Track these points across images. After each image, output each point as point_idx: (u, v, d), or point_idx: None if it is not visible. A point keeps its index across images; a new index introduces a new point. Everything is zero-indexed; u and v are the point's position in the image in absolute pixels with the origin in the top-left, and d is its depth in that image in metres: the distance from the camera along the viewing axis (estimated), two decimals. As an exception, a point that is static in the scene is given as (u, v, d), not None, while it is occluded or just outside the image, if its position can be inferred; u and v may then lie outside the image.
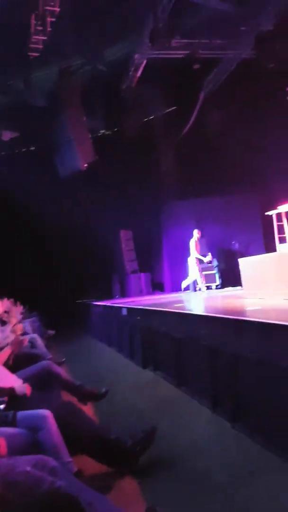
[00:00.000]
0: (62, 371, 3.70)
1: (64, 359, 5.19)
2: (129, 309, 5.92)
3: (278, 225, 8.23)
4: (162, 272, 11.11)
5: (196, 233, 9.05)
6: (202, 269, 9.17)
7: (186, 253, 9.60)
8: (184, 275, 9.77)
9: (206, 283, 9.29)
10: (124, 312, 5.97)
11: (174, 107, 9.83)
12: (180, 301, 6.44)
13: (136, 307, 5.82)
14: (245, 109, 8.33)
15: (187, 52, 8.38)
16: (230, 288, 8.86)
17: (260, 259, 5.62)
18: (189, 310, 4.42)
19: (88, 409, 3.38)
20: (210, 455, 2.79)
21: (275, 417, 2.83)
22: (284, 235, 8.23)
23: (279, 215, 8.22)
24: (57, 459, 1.92)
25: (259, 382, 3.08)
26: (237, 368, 3.36)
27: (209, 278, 9.41)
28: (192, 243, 8.94)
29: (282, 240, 8.15)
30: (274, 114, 8.52)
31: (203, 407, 3.64)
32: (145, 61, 8.44)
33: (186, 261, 9.66)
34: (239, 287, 7.19)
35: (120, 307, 6.15)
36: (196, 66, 8.55)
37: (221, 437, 3.06)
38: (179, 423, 3.37)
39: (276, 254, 5.52)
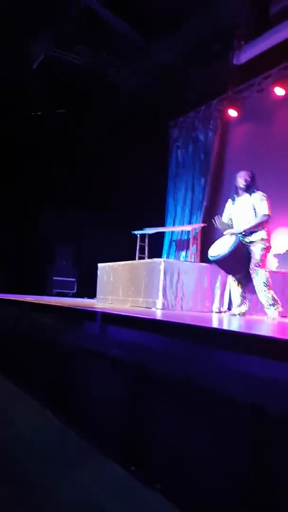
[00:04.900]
0: None
1: None
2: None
3: (140, 245, 8.73)
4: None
5: None
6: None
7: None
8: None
9: (63, 289, 9.22)
10: None
11: (63, 110, 9.77)
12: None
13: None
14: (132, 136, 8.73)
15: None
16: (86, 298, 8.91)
17: (115, 267, 5.79)
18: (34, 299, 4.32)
19: None
20: (27, 442, 2.69)
21: (94, 407, 2.87)
22: (143, 255, 8.75)
23: (142, 236, 8.73)
24: None
25: (84, 372, 3.11)
26: (62, 357, 3.36)
27: (67, 285, 9.35)
28: None
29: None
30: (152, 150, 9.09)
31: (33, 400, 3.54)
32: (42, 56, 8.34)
33: (39, 266, 9.50)
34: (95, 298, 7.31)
35: None
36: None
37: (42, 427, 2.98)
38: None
39: (129, 262, 5.75)
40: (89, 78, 8.90)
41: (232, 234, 4.30)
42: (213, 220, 4.50)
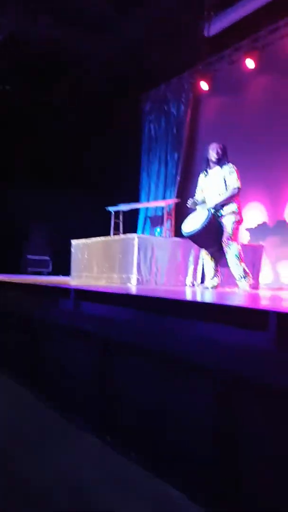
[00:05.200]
0: None
1: None
2: None
3: (115, 222, 8.69)
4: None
5: None
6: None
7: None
8: None
9: (37, 268, 9.15)
10: None
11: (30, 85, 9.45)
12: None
13: None
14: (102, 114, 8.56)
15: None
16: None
17: (89, 243, 5.77)
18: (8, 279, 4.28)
19: None
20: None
21: (70, 381, 2.90)
22: (118, 232, 8.72)
23: (117, 213, 8.68)
24: None
25: (60, 348, 3.13)
26: (35, 334, 3.37)
27: (41, 264, 9.28)
28: None
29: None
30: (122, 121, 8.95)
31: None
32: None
33: (13, 245, 9.37)
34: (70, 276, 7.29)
35: None
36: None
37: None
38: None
39: (103, 239, 5.73)
40: (57, 52, 8.61)
41: (204, 208, 4.34)
42: (187, 203, 4.56)
